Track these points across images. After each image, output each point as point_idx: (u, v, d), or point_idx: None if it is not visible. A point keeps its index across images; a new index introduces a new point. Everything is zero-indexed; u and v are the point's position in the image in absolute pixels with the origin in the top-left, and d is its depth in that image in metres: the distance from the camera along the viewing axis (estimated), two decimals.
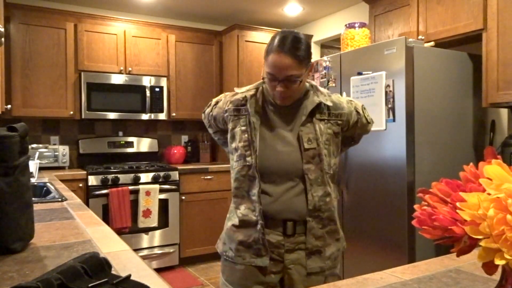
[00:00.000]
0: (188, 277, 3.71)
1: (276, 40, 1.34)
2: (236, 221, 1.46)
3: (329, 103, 1.46)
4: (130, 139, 4.31)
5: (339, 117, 1.48)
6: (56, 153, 3.81)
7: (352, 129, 1.56)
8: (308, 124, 1.43)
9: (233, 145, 1.47)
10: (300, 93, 1.44)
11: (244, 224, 1.43)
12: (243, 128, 1.44)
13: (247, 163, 1.41)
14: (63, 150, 3.85)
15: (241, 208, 1.45)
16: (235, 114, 1.47)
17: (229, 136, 1.50)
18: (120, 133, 4.34)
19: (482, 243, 0.62)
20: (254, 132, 1.42)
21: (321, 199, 1.41)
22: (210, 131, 1.68)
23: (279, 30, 1.44)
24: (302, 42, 1.35)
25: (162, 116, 4.16)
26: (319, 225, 1.43)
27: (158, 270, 3.53)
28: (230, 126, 1.48)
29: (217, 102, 1.58)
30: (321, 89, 1.51)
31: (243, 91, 1.50)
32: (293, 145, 1.42)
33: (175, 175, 3.89)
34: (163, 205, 3.82)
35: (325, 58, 3.15)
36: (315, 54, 4.78)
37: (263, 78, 1.44)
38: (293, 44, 1.32)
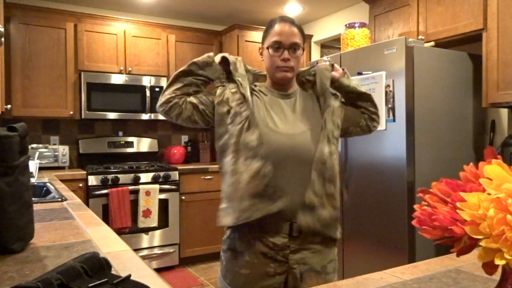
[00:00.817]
0: (188, 277, 3.71)
1: (279, 17, 1.50)
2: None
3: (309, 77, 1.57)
4: (130, 139, 4.31)
5: (337, 95, 1.57)
6: (56, 153, 3.81)
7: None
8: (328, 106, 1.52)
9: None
10: (297, 69, 1.51)
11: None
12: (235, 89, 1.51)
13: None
14: (63, 150, 3.85)
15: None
16: (222, 85, 1.53)
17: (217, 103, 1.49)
18: (120, 133, 4.34)
19: (482, 243, 0.62)
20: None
21: (326, 154, 1.42)
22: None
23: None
24: (298, 22, 1.51)
25: (162, 116, 4.15)
26: (320, 180, 1.41)
27: (158, 270, 3.53)
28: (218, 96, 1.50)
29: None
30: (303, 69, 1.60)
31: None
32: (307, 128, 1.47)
33: (175, 175, 3.89)
34: (163, 205, 3.82)
35: (325, 58, 3.15)
36: (315, 54, 4.78)
37: (261, 53, 1.53)
38: (296, 21, 1.50)
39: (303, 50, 1.50)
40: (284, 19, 1.47)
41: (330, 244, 1.49)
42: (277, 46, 1.44)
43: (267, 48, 1.46)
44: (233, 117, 1.43)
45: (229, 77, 1.52)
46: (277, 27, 1.46)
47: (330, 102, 1.50)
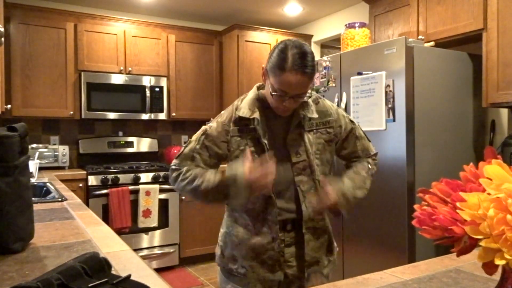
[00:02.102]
0: (188, 277, 3.71)
1: (291, 59, 1.27)
2: (246, 237, 1.43)
3: (315, 115, 1.43)
4: (130, 139, 4.31)
5: (327, 124, 1.46)
6: (56, 153, 3.81)
7: (350, 141, 1.52)
8: (296, 136, 1.42)
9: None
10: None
11: (258, 242, 1.41)
12: (253, 148, 1.38)
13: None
14: (63, 150, 3.85)
15: (256, 227, 1.42)
16: (239, 135, 1.40)
17: (231, 157, 1.41)
18: (120, 133, 4.34)
19: (482, 243, 0.62)
20: (264, 152, 1.38)
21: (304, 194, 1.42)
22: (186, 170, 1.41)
23: (284, 41, 1.34)
24: (312, 57, 1.32)
25: (162, 116, 4.16)
26: (314, 236, 1.45)
27: (158, 270, 3.53)
28: (233, 147, 1.40)
29: (204, 134, 1.43)
30: (313, 100, 1.48)
31: (245, 109, 1.40)
32: (286, 157, 1.42)
33: None
34: (163, 205, 3.82)
35: (325, 58, 3.15)
36: (315, 54, 4.78)
37: (263, 75, 1.41)
38: (309, 62, 1.29)
39: (309, 96, 1.41)
40: (297, 67, 1.26)
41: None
42: (282, 94, 1.31)
43: (270, 92, 1.34)
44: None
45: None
46: (287, 76, 1.27)
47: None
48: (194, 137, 1.46)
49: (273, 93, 1.33)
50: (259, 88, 1.48)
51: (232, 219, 1.49)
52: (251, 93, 1.46)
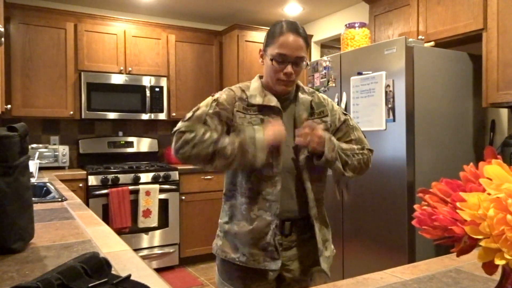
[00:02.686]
0: (188, 277, 3.71)
1: (285, 24, 1.41)
2: (245, 224, 1.43)
3: (315, 100, 1.50)
4: (130, 139, 4.31)
5: (322, 114, 1.49)
6: (56, 153, 3.81)
7: (344, 130, 1.53)
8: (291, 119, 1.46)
9: None
10: (297, 81, 1.49)
11: (257, 226, 1.40)
12: (256, 127, 1.39)
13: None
14: (63, 150, 3.85)
15: (254, 209, 1.41)
16: (243, 112, 1.42)
17: (234, 130, 1.42)
18: (120, 133, 4.34)
19: (482, 243, 0.62)
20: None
21: (321, 194, 1.45)
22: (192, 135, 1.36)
23: (278, 20, 1.47)
24: (302, 27, 1.45)
25: (162, 116, 4.16)
26: (322, 223, 1.48)
27: (158, 270, 3.53)
28: (236, 121, 1.41)
29: (215, 101, 1.44)
30: (304, 87, 1.54)
31: (258, 97, 1.44)
32: (292, 142, 1.43)
33: (175, 175, 3.89)
34: (163, 205, 3.82)
35: (325, 58, 3.15)
36: (315, 54, 4.78)
37: (261, 56, 1.48)
38: (302, 29, 1.43)
39: (307, 64, 1.45)
40: (290, 29, 1.39)
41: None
42: (281, 59, 1.39)
43: (270, 59, 1.40)
44: None
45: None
46: (284, 38, 1.38)
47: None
48: (204, 103, 1.45)
49: (273, 60, 1.39)
50: (260, 78, 1.52)
51: (231, 209, 1.49)
52: (255, 82, 1.50)
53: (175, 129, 1.41)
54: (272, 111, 1.43)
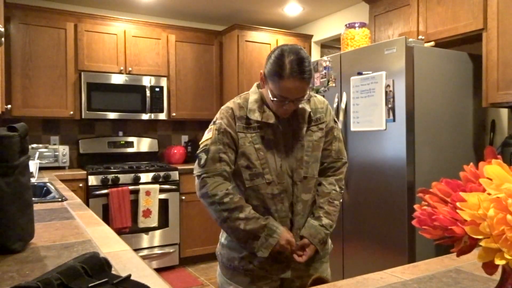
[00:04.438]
0: (188, 277, 3.71)
1: (289, 66, 1.30)
2: None
3: (312, 107, 1.48)
4: (130, 139, 4.31)
5: (319, 121, 1.49)
6: (56, 153, 3.81)
7: (328, 139, 1.53)
8: (289, 132, 1.45)
9: (243, 162, 1.41)
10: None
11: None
12: (257, 146, 1.40)
13: (267, 181, 1.40)
14: (63, 150, 3.85)
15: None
16: (243, 132, 1.41)
17: (238, 153, 1.42)
18: (120, 133, 4.34)
19: (482, 243, 0.62)
20: (268, 148, 1.41)
21: (293, 206, 1.44)
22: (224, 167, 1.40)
23: (280, 46, 1.36)
24: (309, 61, 1.35)
25: (162, 116, 4.16)
26: (291, 233, 1.47)
27: (158, 270, 3.53)
28: (240, 142, 1.41)
29: (220, 132, 1.42)
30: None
31: (256, 113, 1.42)
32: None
33: (175, 175, 3.89)
34: (163, 205, 3.82)
35: (325, 58, 3.15)
36: (315, 54, 4.78)
37: (262, 80, 1.43)
38: (307, 68, 1.32)
39: (309, 100, 1.45)
40: (295, 74, 1.29)
41: None
42: (282, 100, 1.35)
43: (271, 98, 1.36)
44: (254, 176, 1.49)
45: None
46: (287, 83, 1.30)
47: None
48: (210, 138, 1.42)
49: (273, 99, 1.35)
50: (259, 87, 1.50)
51: None
52: (254, 94, 1.47)
53: (195, 173, 1.44)
54: (271, 128, 1.42)
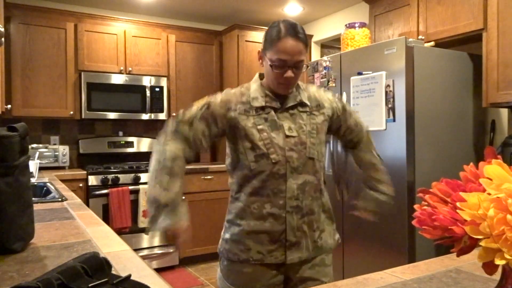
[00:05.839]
0: (188, 277, 3.71)
1: (284, 27, 1.38)
2: (257, 222, 1.43)
3: (306, 102, 1.49)
4: (130, 139, 4.31)
5: (319, 107, 1.52)
6: (56, 153, 3.81)
7: (346, 117, 1.59)
8: (288, 115, 1.46)
9: (247, 144, 1.43)
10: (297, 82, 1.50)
11: (271, 223, 1.42)
12: (260, 127, 1.42)
13: (273, 161, 1.40)
14: (63, 150, 3.85)
15: (266, 207, 1.42)
16: (245, 114, 1.44)
17: (240, 135, 1.44)
18: (120, 133, 4.34)
19: (482, 243, 0.62)
20: (272, 129, 1.42)
21: (300, 187, 1.43)
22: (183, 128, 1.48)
23: (276, 20, 1.44)
24: (302, 27, 1.43)
25: (162, 116, 4.16)
26: (298, 216, 1.44)
27: (158, 270, 3.53)
28: (241, 124, 1.43)
29: (208, 105, 1.48)
30: (299, 83, 1.53)
31: (260, 99, 1.45)
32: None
33: None
34: None
35: (325, 58, 3.15)
36: (315, 54, 4.78)
37: (260, 58, 1.48)
38: (301, 31, 1.40)
39: (307, 66, 1.46)
40: (290, 33, 1.36)
41: None
42: (281, 65, 1.38)
43: (270, 65, 1.39)
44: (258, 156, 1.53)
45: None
46: (283, 42, 1.36)
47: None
48: (197, 104, 1.51)
49: (272, 66, 1.39)
50: (260, 78, 1.53)
51: (240, 207, 1.47)
52: (255, 82, 1.51)
53: (168, 123, 1.52)
54: (274, 111, 1.45)
